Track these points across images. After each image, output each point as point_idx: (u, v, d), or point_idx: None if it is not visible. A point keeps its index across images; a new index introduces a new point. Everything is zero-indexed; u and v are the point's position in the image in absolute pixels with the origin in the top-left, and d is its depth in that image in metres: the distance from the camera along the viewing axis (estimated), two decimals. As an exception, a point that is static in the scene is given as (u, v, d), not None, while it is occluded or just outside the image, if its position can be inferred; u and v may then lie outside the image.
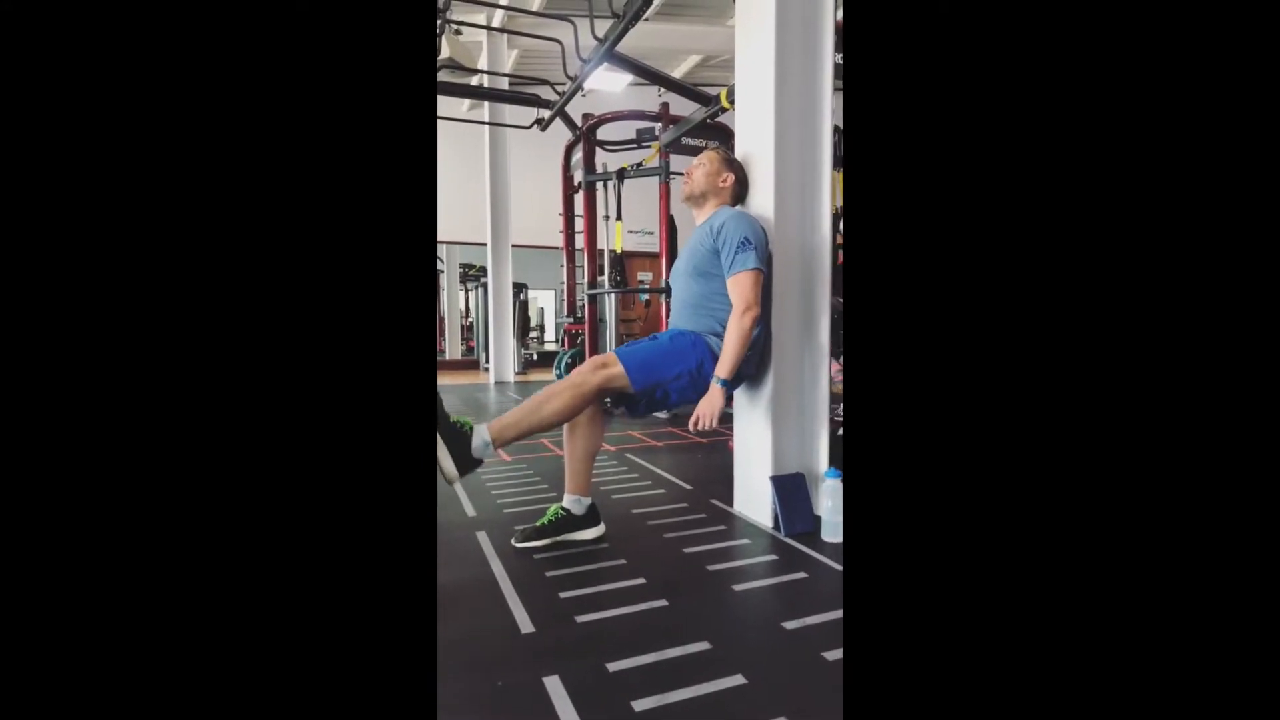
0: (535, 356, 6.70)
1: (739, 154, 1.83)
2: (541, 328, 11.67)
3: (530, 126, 3.74)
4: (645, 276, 8.98)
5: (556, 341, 9.71)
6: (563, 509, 1.62)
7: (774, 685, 0.98)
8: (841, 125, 1.87)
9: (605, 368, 1.49)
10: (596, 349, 4.00)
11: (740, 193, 1.77)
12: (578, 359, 4.32)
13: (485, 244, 6.35)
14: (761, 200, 1.77)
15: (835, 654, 1.07)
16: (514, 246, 6.52)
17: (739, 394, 1.84)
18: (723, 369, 1.55)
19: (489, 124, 5.53)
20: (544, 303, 12.50)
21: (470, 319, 10.28)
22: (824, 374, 1.81)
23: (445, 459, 1.36)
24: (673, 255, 3.72)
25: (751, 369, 1.70)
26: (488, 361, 6.59)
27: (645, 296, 7.51)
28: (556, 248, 5.29)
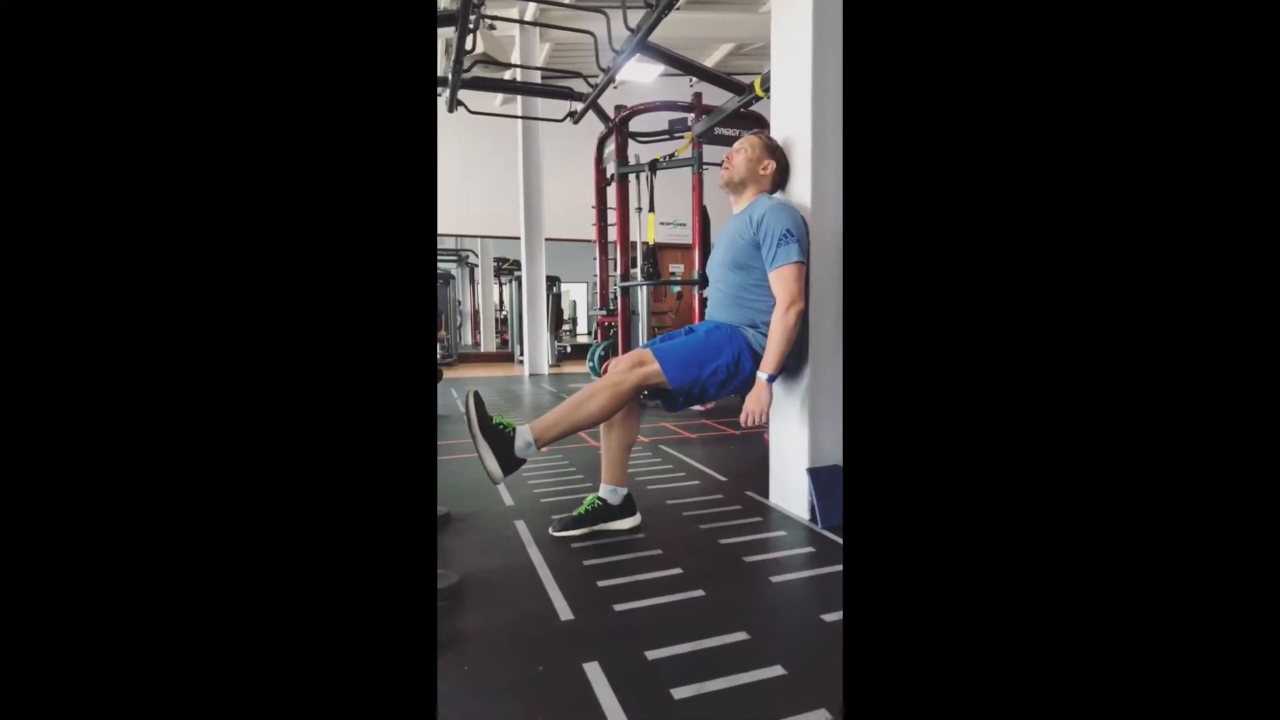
0: (569, 349, 6.77)
1: (778, 137, 1.81)
2: (574, 320, 11.74)
3: (563, 120, 3.75)
4: (677, 269, 8.96)
5: (589, 334, 9.76)
6: (599, 499, 1.63)
7: (815, 677, 0.97)
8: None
9: (642, 365, 1.50)
10: (629, 341, 4.01)
11: (780, 180, 1.74)
12: (611, 351, 4.34)
13: (519, 238, 6.42)
14: (799, 187, 1.74)
15: (876, 647, 1.05)
16: (547, 240, 6.57)
17: (775, 385, 1.82)
18: (769, 365, 1.54)
19: (522, 118, 5.56)
20: (576, 296, 12.56)
21: (504, 312, 10.40)
22: (862, 365, 1.78)
23: (490, 460, 1.38)
24: (705, 247, 3.69)
25: (791, 360, 1.68)
26: (522, 354, 6.67)
27: (677, 289, 7.49)
28: (589, 241, 5.31)
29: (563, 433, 1.45)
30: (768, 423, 1.89)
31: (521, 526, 1.68)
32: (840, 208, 1.75)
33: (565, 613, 1.19)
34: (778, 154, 1.72)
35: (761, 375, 1.55)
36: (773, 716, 0.87)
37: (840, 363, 1.77)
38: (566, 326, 10.41)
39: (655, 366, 1.50)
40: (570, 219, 7.36)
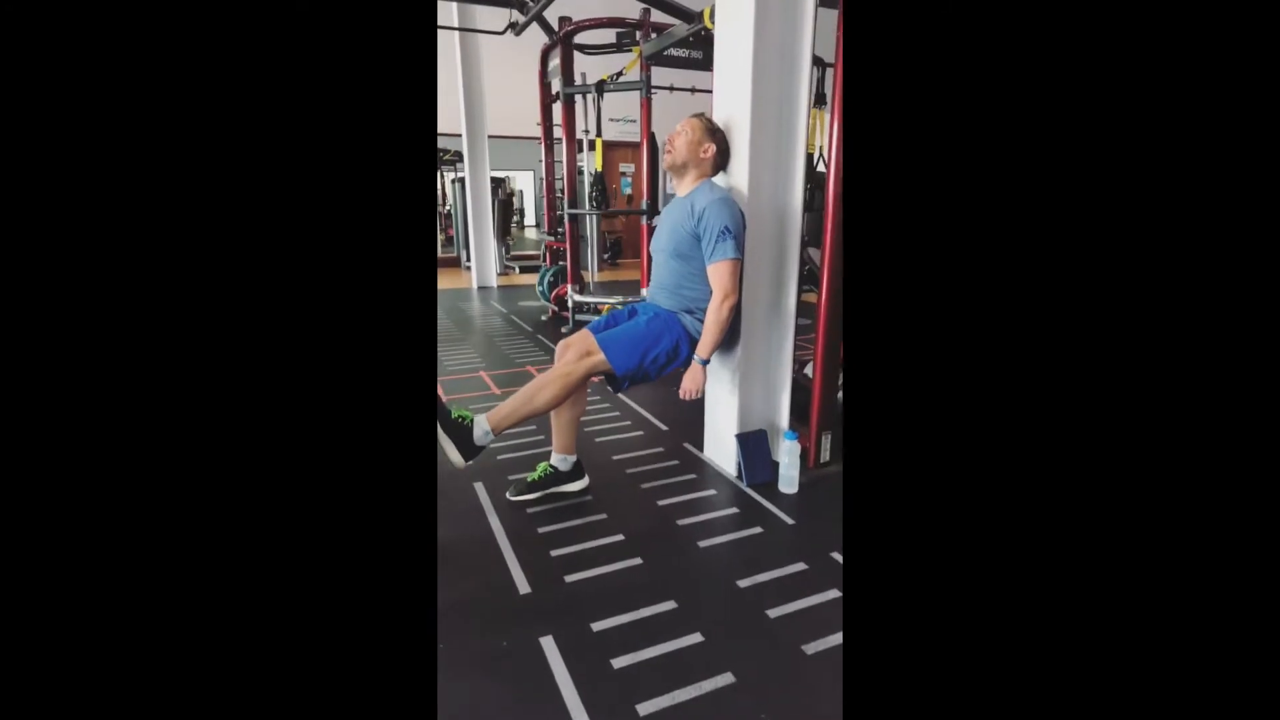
0: (518, 269, 6.69)
1: (719, 119, 1.85)
2: (522, 212, 11.34)
3: (504, 32, 3.52)
4: (627, 168, 8.74)
5: (536, 226, 9.52)
6: (551, 466, 1.82)
7: (726, 642, 1.22)
8: (831, 61, 1.87)
9: (589, 356, 1.63)
10: (577, 267, 4.06)
11: (721, 162, 1.80)
12: (559, 277, 4.38)
13: (460, 134, 6.10)
14: (738, 170, 1.81)
15: (777, 611, 1.31)
16: (491, 138, 6.27)
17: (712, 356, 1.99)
18: (703, 351, 1.70)
19: (459, 29, 5.07)
20: (523, 184, 12.01)
21: (448, 206, 9.99)
22: (789, 338, 1.95)
23: (452, 451, 1.53)
24: (653, 172, 3.67)
25: (725, 339, 1.84)
26: (469, 260, 6.57)
27: (628, 192, 7.33)
28: (534, 139, 5.02)
29: (517, 422, 1.60)
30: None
31: (480, 490, 1.86)
32: (775, 189, 1.85)
33: (523, 586, 1.41)
34: (718, 136, 1.77)
35: (697, 359, 1.71)
36: (688, 680, 1.12)
37: (770, 338, 1.94)
38: (515, 218, 10.09)
39: (601, 356, 1.64)
40: (514, 115, 6.98)
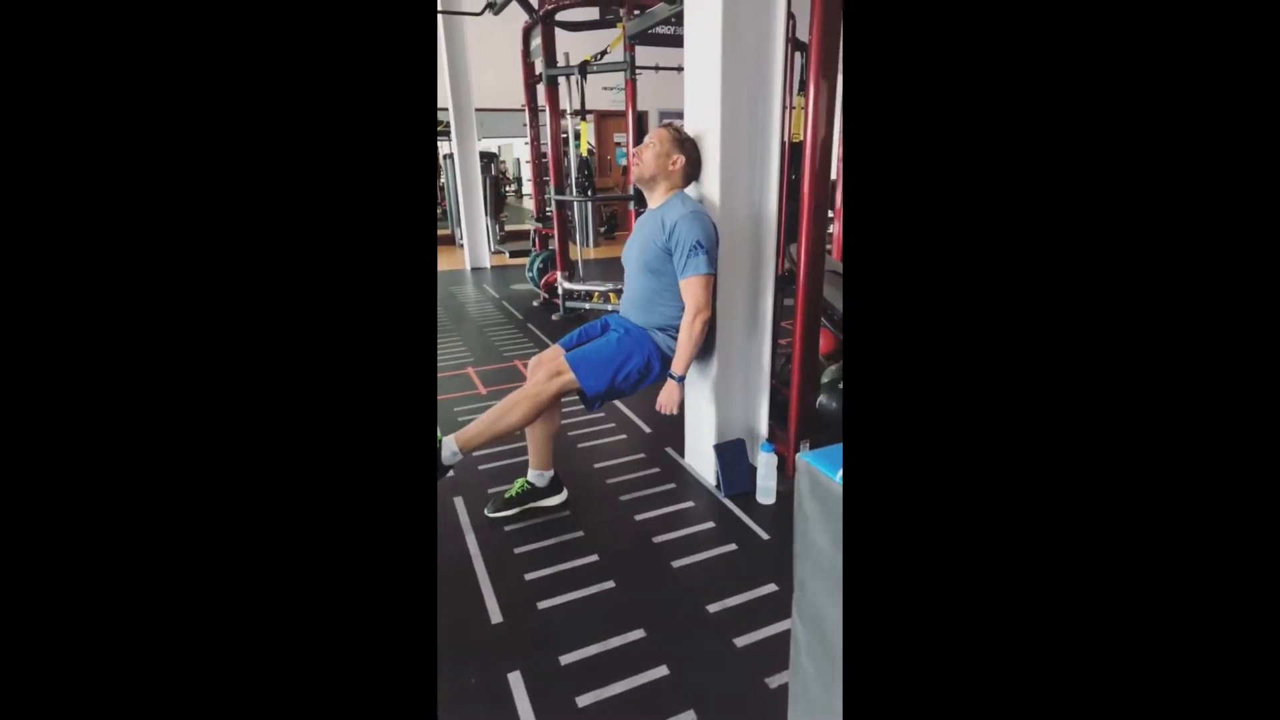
0: (509, 254, 6.53)
1: (689, 115, 1.79)
2: (519, 179, 11.14)
3: (481, 13, 3.39)
4: (621, 137, 8.54)
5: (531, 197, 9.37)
6: (528, 483, 1.82)
7: (690, 675, 1.24)
8: (807, 42, 1.81)
9: (560, 376, 1.62)
10: (565, 250, 4.01)
11: (691, 172, 1.76)
12: (549, 263, 4.33)
13: (446, 109, 5.96)
14: (709, 179, 1.76)
15: (745, 639, 1.33)
16: (483, 110, 6.13)
17: (690, 368, 1.97)
18: (678, 367, 1.69)
19: (439, 12, 4.86)
20: (519, 152, 11.74)
21: (441, 179, 9.84)
22: (766, 346, 1.93)
23: None
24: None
25: (701, 351, 1.82)
26: (462, 238, 6.50)
27: (623, 162, 7.15)
28: (522, 109, 4.88)
29: (485, 442, 1.60)
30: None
31: (460, 506, 1.87)
32: (750, 199, 1.80)
33: (496, 615, 1.42)
34: (687, 147, 1.72)
35: (673, 375, 1.70)
36: (654, 718, 1.14)
37: (748, 348, 1.92)
38: (511, 188, 9.91)
39: (571, 377, 1.62)
40: (507, 91, 6.80)
